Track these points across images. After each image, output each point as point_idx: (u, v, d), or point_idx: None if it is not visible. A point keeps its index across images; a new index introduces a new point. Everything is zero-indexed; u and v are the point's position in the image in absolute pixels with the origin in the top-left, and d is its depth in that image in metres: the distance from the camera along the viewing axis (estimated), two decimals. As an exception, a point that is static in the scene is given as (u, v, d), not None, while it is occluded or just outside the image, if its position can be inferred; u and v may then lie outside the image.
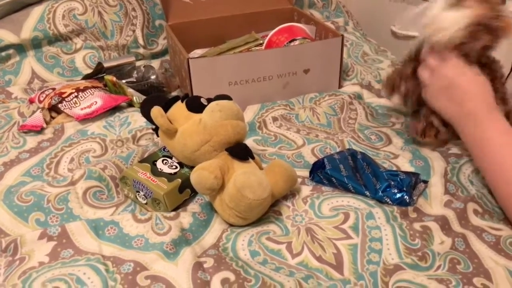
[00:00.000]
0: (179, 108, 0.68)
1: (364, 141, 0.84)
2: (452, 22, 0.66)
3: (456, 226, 0.62)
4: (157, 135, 0.71)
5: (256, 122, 0.90)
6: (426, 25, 0.69)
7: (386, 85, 0.83)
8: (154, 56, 1.23)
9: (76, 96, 0.91)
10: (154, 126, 0.70)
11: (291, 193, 0.70)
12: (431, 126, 0.76)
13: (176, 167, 0.69)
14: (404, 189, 0.66)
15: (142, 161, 0.70)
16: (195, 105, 0.66)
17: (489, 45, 0.68)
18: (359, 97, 1.00)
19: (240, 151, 0.64)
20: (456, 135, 0.72)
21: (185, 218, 0.64)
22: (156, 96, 0.73)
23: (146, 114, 0.69)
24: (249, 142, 0.84)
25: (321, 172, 0.72)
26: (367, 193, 0.68)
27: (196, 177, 0.60)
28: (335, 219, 0.63)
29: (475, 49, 0.68)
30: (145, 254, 0.57)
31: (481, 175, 0.69)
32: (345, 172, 0.71)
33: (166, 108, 0.68)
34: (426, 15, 0.68)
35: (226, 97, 0.67)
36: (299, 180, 0.73)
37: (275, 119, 0.91)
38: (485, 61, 0.71)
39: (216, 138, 0.64)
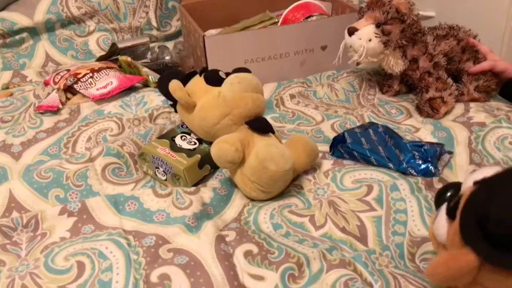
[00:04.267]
0: (197, 82, 0.66)
1: (384, 115, 0.82)
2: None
3: (484, 197, 0.60)
4: (175, 111, 0.70)
5: (273, 99, 0.88)
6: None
7: None
8: (168, 38, 1.22)
9: (91, 77, 0.91)
10: (172, 102, 0.68)
11: (312, 168, 0.69)
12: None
13: (195, 143, 0.68)
14: (429, 159, 0.64)
15: (160, 137, 0.69)
16: (214, 79, 0.65)
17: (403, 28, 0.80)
18: (378, 73, 0.98)
19: (260, 125, 0.63)
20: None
21: (206, 193, 0.63)
22: (173, 71, 0.72)
23: (163, 89, 0.68)
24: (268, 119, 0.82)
25: (342, 147, 0.71)
26: (391, 165, 0.66)
27: (216, 150, 0.59)
28: (358, 192, 0.62)
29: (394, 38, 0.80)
30: (167, 228, 0.56)
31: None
32: (367, 145, 0.69)
33: (184, 83, 0.67)
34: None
35: (245, 70, 0.66)
36: (320, 155, 0.72)
37: (292, 96, 0.90)
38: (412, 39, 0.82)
39: (236, 111, 0.63)
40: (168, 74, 0.69)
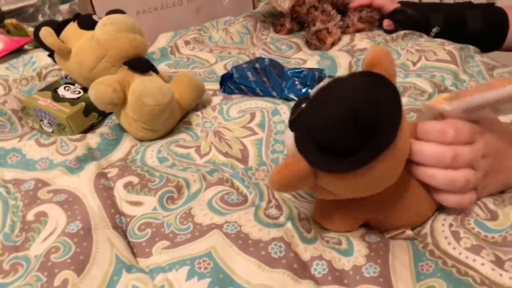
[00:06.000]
0: (71, 28, 0.65)
1: (275, 51, 0.85)
2: None
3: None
4: (54, 61, 0.68)
5: (167, 47, 0.88)
6: None
7: None
8: (63, 0, 1.17)
9: (-27, 42, 0.86)
10: (49, 52, 0.67)
11: (201, 105, 0.70)
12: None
13: (80, 92, 0.67)
14: (308, 83, 0.67)
15: (42, 90, 0.67)
16: (87, 22, 0.64)
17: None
18: (272, 15, 0.99)
19: (139, 63, 0.63)
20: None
21: (93, 139, 0.63)
22: (48, 21, 0.69)
23: (38, 39, 0.66)
24: (161, 67, 0.82)
25: (230, 82, 0.72)
26: (274, 93, 0.69)
27: (94, 92, 0.59)
28: (242, 119, 0.64)
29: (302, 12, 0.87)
30: (47, 173, 0.55)
31: None
32: (252, 77, 0.71)
33: (59, 31, 0.65)
34: None
35: (119, 12, 0.65)
36: (210, 92, 0.73)
37: (187, 42, 0.90)
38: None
39: (112, 52, 0.62)
40: (43, 23, 0.67)
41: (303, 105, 0.39)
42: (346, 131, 0.34)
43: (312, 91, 0.40)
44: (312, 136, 0.36)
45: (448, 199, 0.42)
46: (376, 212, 0.44)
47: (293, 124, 0.39)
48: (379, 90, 0.35)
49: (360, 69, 0.74)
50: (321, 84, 0.40)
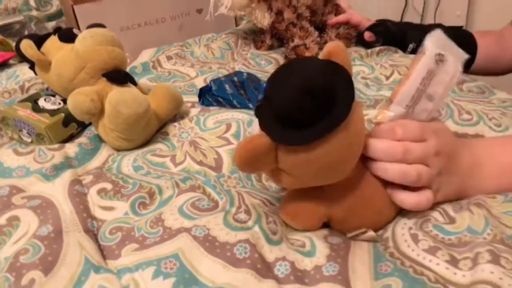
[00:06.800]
0: (52, 41, 0.67)
1: (254, 66, 0.87)
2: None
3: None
4: (35, 73, 0.70)
5: (150, 62, 0.90)
6: None
7: None
8: (50, 18, 1.19)
9: (-42, 56, 0.88)
10: (30, 64, 0.68)
11: (179, 116, 0.72)
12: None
13: (60, 104, 0.69)
14: (282, 96, 0.69)
15: (22, 100, 0.69)
16: (67, 36, 0.66)
17: None
18: (253, 32, 1.02)
19: (117, 75, 0.65)
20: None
21: (71, 149, 0.64)
22: (29, 34, 0.71)
23: (19, 51, 0.68)
24: (143, 81, 0.84)
25: (209, 95, 0.74)
26: (250, 105, 0.71)
27: (72, 102, 0.60)
28: (218, 130, 0.66)
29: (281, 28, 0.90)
30: (23, 180, 0.56)
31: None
32: (230, 90, 0.73)
33: (39, 44, 0.67)
34: None
35: (100, 25, 0.67)
36: (189, 104, 0.75)
37: (169, 57, 0.92)
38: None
39: (91, 64, 0.64)
40: (24, 37, 0.69)
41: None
42: (304, 103, 0.37)
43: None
44: (273, 107, 0.38)
45: (406, 200, 0.44)
46: (337, 206, 0.45)
47: (257, 109, 0.41)
48: (335, 72, 0.39)
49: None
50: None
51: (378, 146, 0.43)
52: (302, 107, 0.37)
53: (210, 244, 0.44)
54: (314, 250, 0.44)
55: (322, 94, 0.37)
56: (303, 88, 0.37)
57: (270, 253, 0.44)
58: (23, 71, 0.87)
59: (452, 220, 0.45)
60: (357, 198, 0.44)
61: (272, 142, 0.39)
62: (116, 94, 0.60)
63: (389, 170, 0.43)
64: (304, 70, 0.38)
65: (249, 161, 0.40)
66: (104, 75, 0.64)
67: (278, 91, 0.38)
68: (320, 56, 0.41)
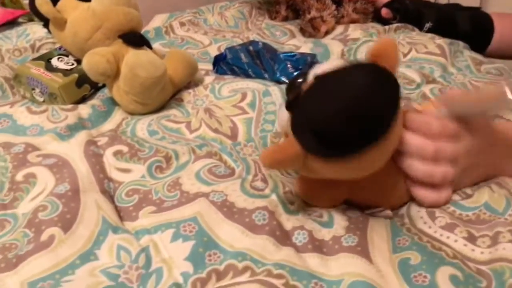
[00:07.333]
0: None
1: (269, 37, 0.86)
2: None
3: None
4: (49, 31, 0.68)
5: (162, 27, 0.89)
6: None
7: None
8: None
9: (-33, 10, 0.86)
10: (43, 22, 0.67)
11: (194, 83, 0.71)
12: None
13: (73, 64, 0.68)
14: (300, 67, 0.69)
15: (35, 59, 0.68)
16: (84, -6, 0.64)
17: None
18: (268, 2, 1.00)
19: (133, 37, 0.64)
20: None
21: (84, 110, 0.63)
22: (44, -9, 0.69)
23: (34, 9, 0.66)
24: (156, 46, 0.83)
25: (223, 63, 0.73)
26: (266, 75, 0.70)
27: (87, 62, 0.59)
28: (233, 98, 0.65)
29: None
30: (38, 138, 0.56)
31: None
32: (245, 59, 0.72)
33: (55, 2, 0.65)
34: None
35: (116, -15, 0.66)
36: (203, 72, 0.74)
37: (182, 24, 0.90)
38: None
39: (107, 24, 0.62)
40: (38, -7, 0.67)
41: (300, 82, 0.40)
42: (345, 125, 0.35)
43: (312, 71, 0.41)
44: (311, 125, 0.37)
45: (425, 198, 0.44)
46: (357, 193, 0.45)
47: (291, 105, 0.39)
48: (383, 87, 0.36)
49: (352, 58, 0.76)
50: (322, 67, 0.40)
51: (411, 141, 0.41)
52: (343, 129, 0.35)
53: (228, 209, 0.44)
54: (332, 221, 0.44)
55: (365, 117, 0.35)
56: (349, 116, 0.35)
57: (288, 221, 0.44)
58: (33, 30, 0.85)
59: (468, 196, 0.45)
60: (379, 185, 0.44)
61: (304, 151, 0.38)
62: (133, 57, 0.59)
63: (417, 168, 0.42)
64: (350, 89, 0.35)
65: (277, 166, 0.40)
66: (120, 37, 0.63)
67: (319, 111, 0.36)
68: (369, 54, 0.38)
